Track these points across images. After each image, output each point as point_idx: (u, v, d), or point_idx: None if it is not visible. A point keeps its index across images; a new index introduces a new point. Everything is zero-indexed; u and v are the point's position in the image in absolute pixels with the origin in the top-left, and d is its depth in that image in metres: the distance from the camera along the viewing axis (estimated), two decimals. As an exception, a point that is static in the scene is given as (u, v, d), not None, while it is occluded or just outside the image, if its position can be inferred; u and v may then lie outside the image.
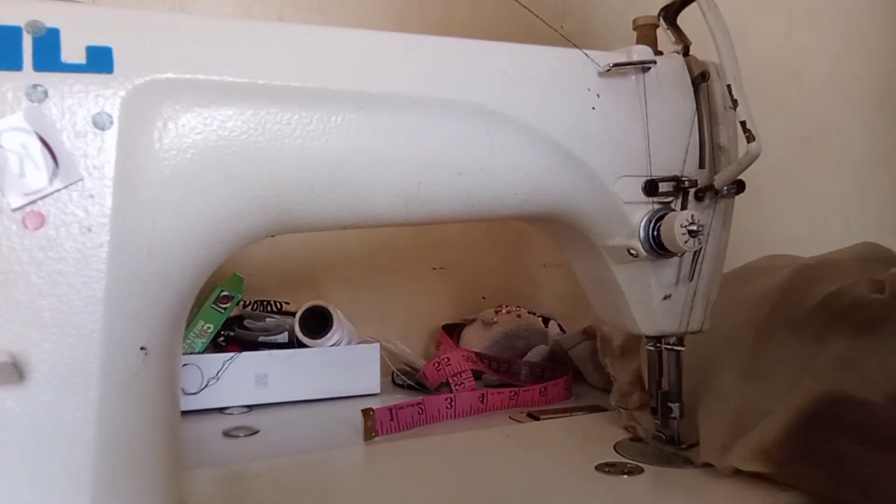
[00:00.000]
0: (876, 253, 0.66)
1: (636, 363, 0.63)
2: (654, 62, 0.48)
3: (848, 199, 1.22)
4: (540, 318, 0.89)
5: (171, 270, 0.36)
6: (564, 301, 0.98)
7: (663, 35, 0.52)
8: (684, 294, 0.51)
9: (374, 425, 0.59)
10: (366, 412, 0.59)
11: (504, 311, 0.87)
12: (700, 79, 0.50)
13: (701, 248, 0.49)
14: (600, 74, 0.47)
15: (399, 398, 0.67)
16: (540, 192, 0.46)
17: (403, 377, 0.77)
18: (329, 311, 0.73)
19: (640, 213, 0.49)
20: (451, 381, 0.72)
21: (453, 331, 0.89)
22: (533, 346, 0.84)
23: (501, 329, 0.84)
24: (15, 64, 0.32)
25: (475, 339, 0.85)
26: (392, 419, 0.61)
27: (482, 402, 0.68)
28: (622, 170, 0.47)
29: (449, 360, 0.73)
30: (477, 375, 0.75)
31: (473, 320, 0.89)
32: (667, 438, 0.53)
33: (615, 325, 0.55)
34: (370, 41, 0.41)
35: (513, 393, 0.69)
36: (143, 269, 0.35)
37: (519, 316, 0.86)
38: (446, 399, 0.66)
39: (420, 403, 0.63)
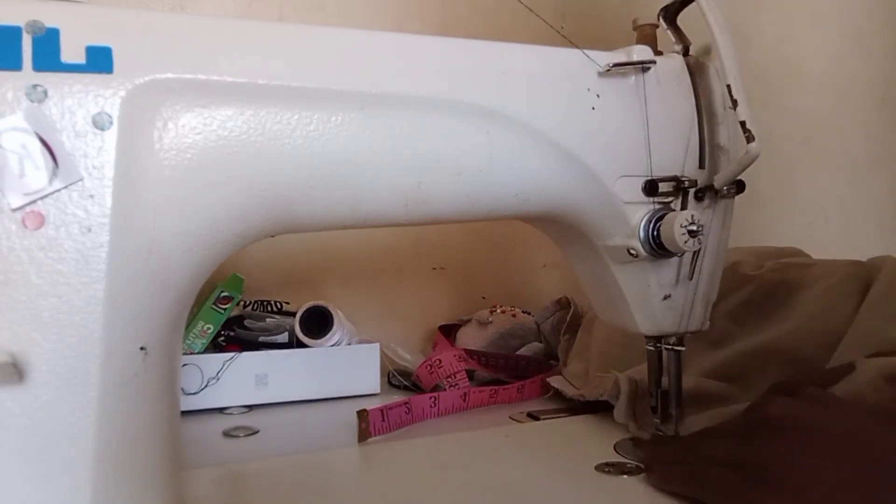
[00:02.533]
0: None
1: (586, 338, 0.66)
2: (654, 62, 0.48)
3: (848, 199, 1.22)
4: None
5: (171, 270, 0.36)
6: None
7: (663, 35, 0.52)
8: (684, 294, 0.51)
9: (369, 427, 0.59)
10: (360, 413, 0.59)
11: (499, 310, 0.87)
12: (700, 79, 0.50)
13: (701, 248, 0.49)
14: (600, 74, 0.47)
15: (397, 398, 0.67)
16: (540, 192, 0.45)
17: (399, 378, 0.77)
18: (329, 311, 0.73)
19: (640, 213, 0.49)
20: (445, 382, 0.72)
21: (450, 331, 0.89)
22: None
23: (497, 329, 0.84)
24: (15, 64, 0.32)
25: (470, 340, 0.85)
26: (384, 420, 0.61)
27: (464, 400, 0.69)
28: (622, 170, 0.47)
29: (441, 361, 0.73)
30: (473, 375, 0.75)
31: (469, 321, 0.89)
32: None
33: (615, 325, 0.54)
34: (370, 41, 0.41)
35: (493, 392, 0.70)
36: (143, 269, 0.35)
37: (514, 315, 0.87)
38: (430, 398, 0.66)
39: (407, 403, 0.63)
